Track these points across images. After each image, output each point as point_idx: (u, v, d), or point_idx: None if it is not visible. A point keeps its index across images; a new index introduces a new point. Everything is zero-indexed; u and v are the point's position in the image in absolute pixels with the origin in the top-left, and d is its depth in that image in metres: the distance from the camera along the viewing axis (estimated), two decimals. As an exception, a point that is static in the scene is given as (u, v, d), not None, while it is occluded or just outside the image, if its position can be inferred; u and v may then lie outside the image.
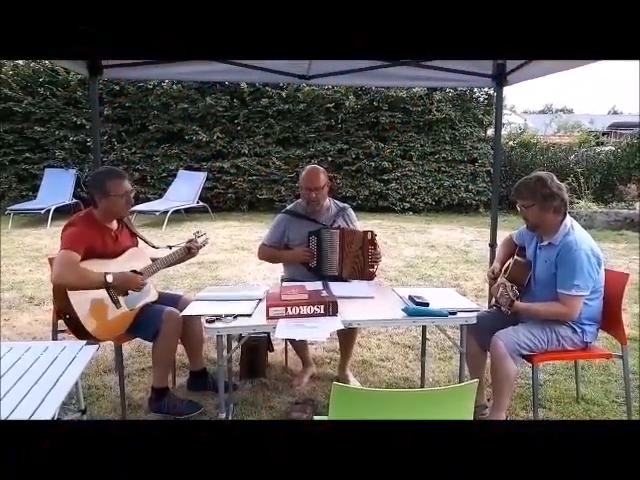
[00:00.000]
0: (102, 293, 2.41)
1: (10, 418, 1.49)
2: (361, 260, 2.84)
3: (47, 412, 1.54)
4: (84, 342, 2.08)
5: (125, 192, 2.54)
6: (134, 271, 2.57)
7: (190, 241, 2.83)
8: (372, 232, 2.86)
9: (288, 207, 3.13)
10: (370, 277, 2.86)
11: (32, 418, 1.49)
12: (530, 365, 2.47)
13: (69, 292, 2.32)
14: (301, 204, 3.03)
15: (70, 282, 2.32)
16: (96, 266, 2.41)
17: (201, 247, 2.88)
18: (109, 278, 2.37)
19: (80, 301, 2.34)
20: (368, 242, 2.83)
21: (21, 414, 1.51)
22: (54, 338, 2.71)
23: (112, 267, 2.47)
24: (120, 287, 2.44)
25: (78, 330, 2.36)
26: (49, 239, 6.84)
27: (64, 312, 2.36)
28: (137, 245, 2.75)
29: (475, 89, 9.36)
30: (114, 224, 2.64)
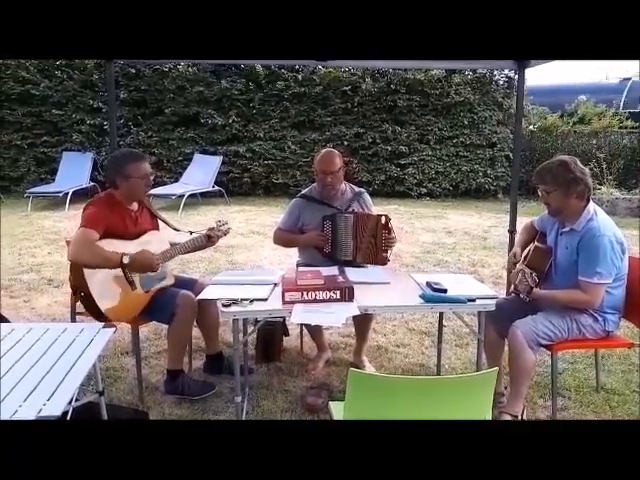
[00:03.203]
0: (118, 273, 2.41)
1: (30, 399, 1.51)
2: (374, 245, 2.81)
3: (66, 393, 1.55)
4: (102, 324, 2.10)
5: (145, 174, 2.55)
6: (152, 255, 2.57)
7: (211, 229, 2.82)
8: (386, 216, 2.82)
9: (303, 191, 3.10)
10: (383, 262, 2.83)
11: (51, 399, 1.51)
12: (549, 353, 2.44)
13: (85, 270, 2.33)
14: (316, 188, 3.00)
15: (86, 260, 2.33)
16: (114, 246, 2.42)
17: (221, 237, 2.87)
18: (125, 259, 2.38)
19: (95, 280, 2.35)
20: (382, 226, 2.79)
21: (40, 395, 1.53)
22: (73, 320, 2.74)
23: (131, 248, 2.48)
24: (135, 268, 2.44)
25: (92, 309, 2.39)
26: (68, 222, 6.91)
27: (79, 290, 2.38)
28: (157, 228, 2.76)
29: (495, 72, 9.15)
30: (134, 205, 2.65)
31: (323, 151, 2.99)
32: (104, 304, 2.37)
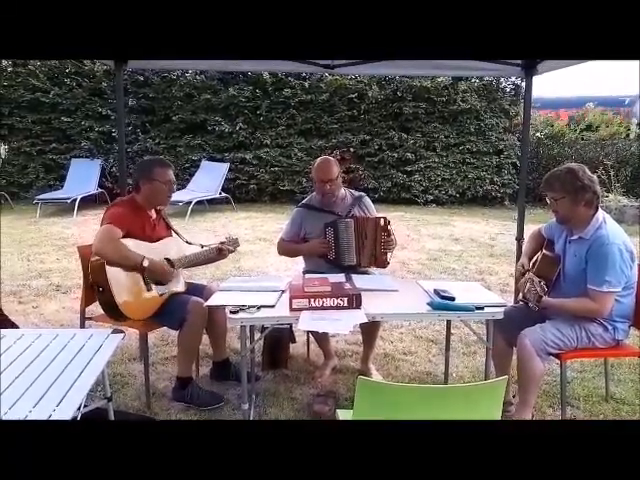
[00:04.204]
0: (136, 273, 2.48)
1: (39, 404, 1.52)
2: (374, 247, 2.83)
3: (75, 399, 1.56)
4: (110, 330, 2.11)
5: (169, 180, 2.64)
6: (167, 259, 2.62)
7: (222, 243, 2.88)
8: (385, 218, 2.85)
9: (303, 201, 3.12)
10: (383, 265, 2.86)
11: (61, 404, 1.51)
12: (558, 362, 2.42)
13: (107, 266, 2.39)
14: (316, 196, 3.02)
15: (109, 255, 2.40)
16: (133, 247, 2.48)
17: (232, 251, 2.93)
18: (145, 262, 2.44)
19: (116, 276, 2.42)
20: (381, 229, 2.82)
21: (49, 401, 1.54)
22: (82, 326, 2.76)
23: (148, 251, 2.54)
24: (152, 274, 2.50)
25: (108, 304, 2.44)
26: (76, 228, 6.96)
27: (98, 285, 2.44)
28: (171, 236, 2.82)
29: (501, 79, 9.16)
30: (153, 213, 2.72)
31: (319, 160, 3.00)
32: (121, 300, 2.42)
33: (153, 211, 2.72)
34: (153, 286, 2.56)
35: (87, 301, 2.71)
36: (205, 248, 2.85)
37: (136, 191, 2.65)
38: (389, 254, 2.88)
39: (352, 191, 3.09)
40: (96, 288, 2.46)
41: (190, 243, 2.89)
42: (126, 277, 2.46)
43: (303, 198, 3.26)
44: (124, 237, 2.47)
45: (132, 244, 2.48)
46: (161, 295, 2.58)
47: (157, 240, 2.66)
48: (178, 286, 2.70)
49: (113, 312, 2.46)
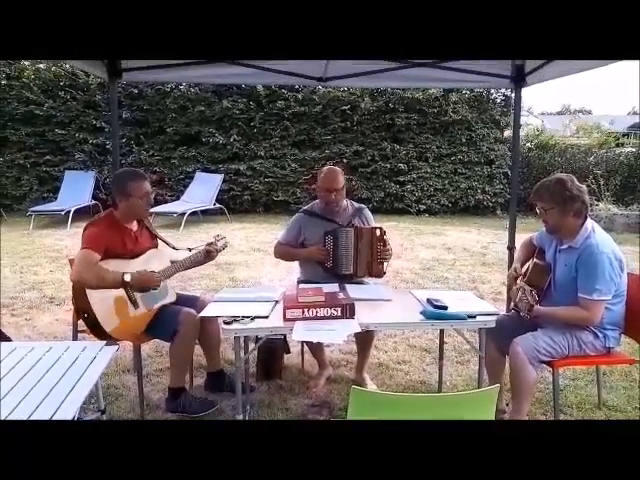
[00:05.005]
0: (121, 293, 2.43)
1: (31, 418, 1.51)
2: (370, 257, 2.86)
3: (68, 412, 1.55)
4: (104, 342, 2.10)
5: (145, 193, 2.58)
6: (152, 272, 2.60)
7: (210, 244, 2.84)
8: (381, 229, 2.87)
9: (305, 207, 3.14)
10: (379, 275, 2.88)
11: (53, 418, 1.51)
12: (550, 369, 2.44)
13: (88, 291, 2.35)
14: (318, 204, 3.03)
15: (89, 281, 2.35)
16: (115, 266, 2.44)
17: (220, 251, 2.89)
18: (127, 277, 2.40)
19: (99, 300, 2.38)
20: (377, 239, 2.84)
21: (42, 414, 1.53)
22: (74, 338, 2.75)
23: (131, 268, 2.49)
24: (137, 286, 2.47)
25: (96, 329, 2.40)
26: (69, 240, 6.94)
27: (83, 311, 2.39)
28: (157, 247, 2.78)
29: (492, 90, 9.28)
30: (134, 225, 2.67)
31: (326, 169, 3.03)
32: (107, 324, 2.38)
33: (134, 223, 2.67)
34: (140, 302, 2.50)
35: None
36: (192, 252, 2.80)
37: (114, 207, 2.59)
38: (385, 264, 2.90)
39: (353, 202, 3.12)
40: (81, 314, 2.43)
41: (177, 249, 2.85)
42: (109, 300, 2.40)
43: (298, 208, 3.28)
44: (104, 257, 2.41)
45: (112, 266, 2.41)
46: (149, 310, 2.55)
47: (140, 253, 2.61)
48: (167, 298, 2.67)
49: (102, 336, 2.38)
